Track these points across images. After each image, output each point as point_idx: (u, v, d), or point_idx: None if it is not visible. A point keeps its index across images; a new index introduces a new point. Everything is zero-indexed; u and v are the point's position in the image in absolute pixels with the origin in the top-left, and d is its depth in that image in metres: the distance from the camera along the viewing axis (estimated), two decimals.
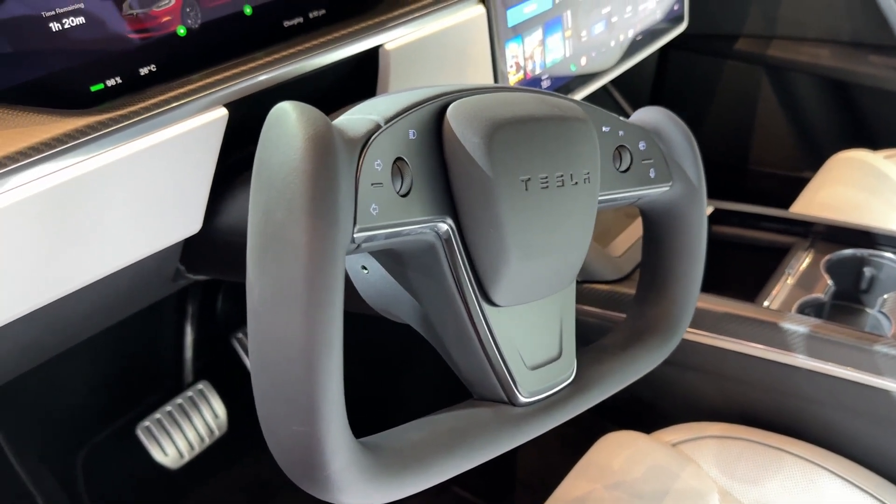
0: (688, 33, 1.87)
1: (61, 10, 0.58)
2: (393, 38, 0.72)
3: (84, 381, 1.20)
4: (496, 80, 0.83)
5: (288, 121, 0.41)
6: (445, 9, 0.76)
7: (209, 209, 0.64)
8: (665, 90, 1.94)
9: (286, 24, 0.75)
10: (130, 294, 0.77)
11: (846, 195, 1.38)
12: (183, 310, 1.28)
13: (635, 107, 1.96)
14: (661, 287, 0.65)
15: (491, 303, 0.52)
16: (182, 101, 0.58)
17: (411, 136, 0.48)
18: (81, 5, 0.59)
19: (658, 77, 1.91)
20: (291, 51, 0.66)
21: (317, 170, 0.40)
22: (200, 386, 1.29)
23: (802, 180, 1.73)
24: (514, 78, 0.85)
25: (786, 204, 1.53)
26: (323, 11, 0.77)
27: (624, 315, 0.68)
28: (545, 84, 0.90)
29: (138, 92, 0.61)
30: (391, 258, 0.53)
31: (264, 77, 0.63)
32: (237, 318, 1.36)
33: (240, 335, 1.36)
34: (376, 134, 0.45)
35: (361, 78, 0.76)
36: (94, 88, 0.61)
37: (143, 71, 0.64)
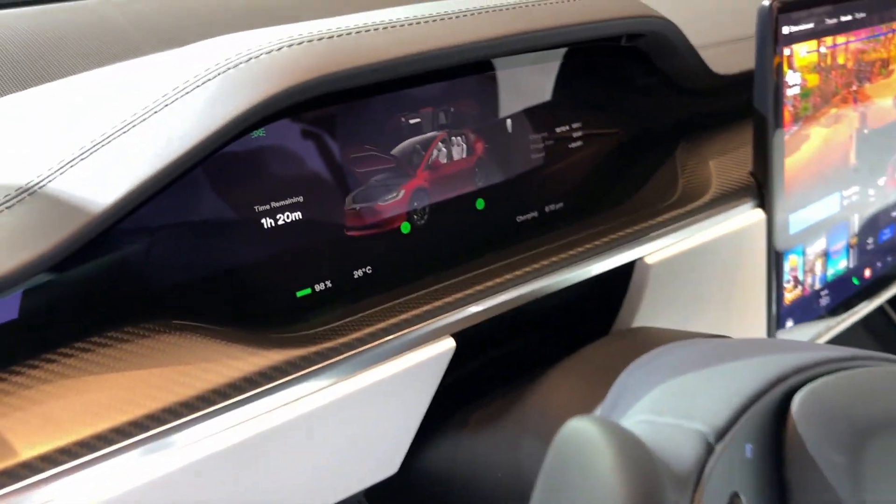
0: None
1: (277, 204, 0.49)
2: (655, 250, 0.58)
3: None
4: (770, 299, 0.66)
5: (597, 460, 0.27)
6: (718, 215, 0.62)
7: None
8: None
9: (519, 219, 0.63)
10: None
11: None
12: None
13: None
14: None
15: None
16: (404, 331, 0.45)
17: (748, 455, 0.32)
18: (300, 199, 0.50)
19: None
20: (528, 268, 0.53)
21: None
22: None
23: None
24: (790, 295, 0.68)
25: None
26: (560, 205, 0.65)
27: None
28: (823, 302, 0.72)
29: (349, 303, 0.50)
30: None
31: (501, 300, 0.50)
32: None
33: None
34: (710, 462, 0.29)
35: (604, 288, 0.62)
36: (300, 294, 0.51)
37: (357, 273, 0.53)
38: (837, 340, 0.93)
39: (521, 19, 0.49)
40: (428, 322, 0.46)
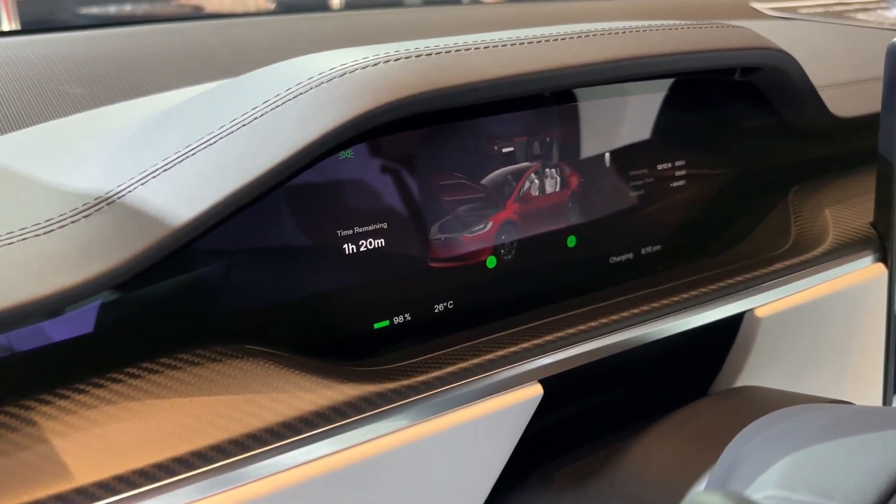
0: None
1: (360, 230, 0.46)
2: (766, 302, 0.53)
3: None
4: (888, 364, 0.60)
5: None
6: (834, 268, 0.56)
7: None
8: None
9: (613, 260, 0.59)
10: None
11: None
12: None
13: None
14: None
15: None
16: (488, 373, 0.42)
17: None
18: (384, 226, 0.47)
19: None
20: (625, 313, 0.48)
21: None
22: None
23: None
24: None
25: None
26: (658, 247, 0.61)
27: None
28: None
29: (428, 338, 0.47)
30: None
31: (594, 346, 0.46)
32: None
33: None
34: None
35: (706, 341, 0.57)
36: (378, 325, 0.48)
37: (439, 307, 0.50)
38: None
39: (632, 44, 0.46)
40: (514, 365, 0.42)
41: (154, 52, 0.68)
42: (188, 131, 0.40)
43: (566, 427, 0.54)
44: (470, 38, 0.43)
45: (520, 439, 0.46)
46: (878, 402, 0.61)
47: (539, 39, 0.43)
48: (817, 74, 0.66)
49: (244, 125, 0.37)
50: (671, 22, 0.52)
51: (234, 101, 0.39)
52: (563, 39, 0.44)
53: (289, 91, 0.38)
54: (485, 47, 0.41)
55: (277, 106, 0.37)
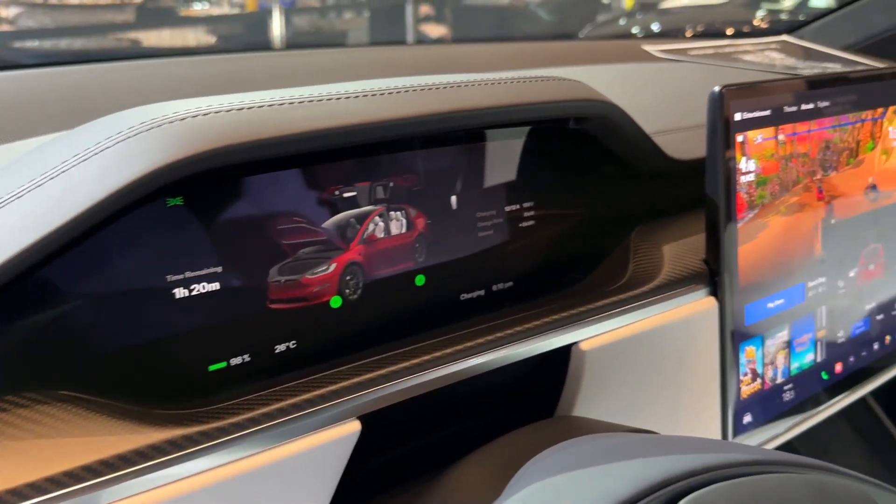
0: None
1: (192, 275, 0.48)
2: (592, 335, 0.56)
3: None
4: (724, 392, 0.63)
5: None
6: (664, 301, 0.60)
7: None
8: None
9: (464, 297, 0.61)
10: None
11: None
12: None
13: (892, 412, 1.62)
14: None
15: None
16: (305, 411, 0.43)
17: None
18: (219, 269, 0.49)
19: None
20: (453, 348, 0.51)
21: None
22: None
23: None
24: (747, 388, 0.65)
25: None
26: (510, 284, 0.64)
27: None
28: (787, 397, 0.69)
29: (268, 378, 0.48)
30: None
31: (413, 383, 0.48)
32: None
33: None
34: None
35: (546, 373, 0.59)
36: (213, 368, 0.49)
37: (280, 348, 0.52)
38: (816, 434, 0.89)
39: (447, 99, 0.49)
40: (332, 403, 0.44)
41: (25, 98, 0.69)
42: (13, 181, 0.41)
43: (409, 463, 0.55)
44: (288, 93, 0.45)
45: (354, 478, 0.48)
46: (718, 430, 0.64)
47: (358, 95, 0.46)
48: (676, 117, 0.71)
49: (52, 178, 0.39)
50: (503, 76, 0.56)
51: (50, 157, 0.41)
52: (382, 95, 0.46)
53: (98, 145, 0.39)
54: (300, 102, 0.44)
55: (86, 159, 0.39)
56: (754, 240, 0.63)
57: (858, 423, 0.93)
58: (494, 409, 0.62)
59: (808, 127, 0.67)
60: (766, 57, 1.44)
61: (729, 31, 1.76)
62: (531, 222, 0.65)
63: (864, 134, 0.73)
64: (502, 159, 0.62)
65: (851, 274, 0.74)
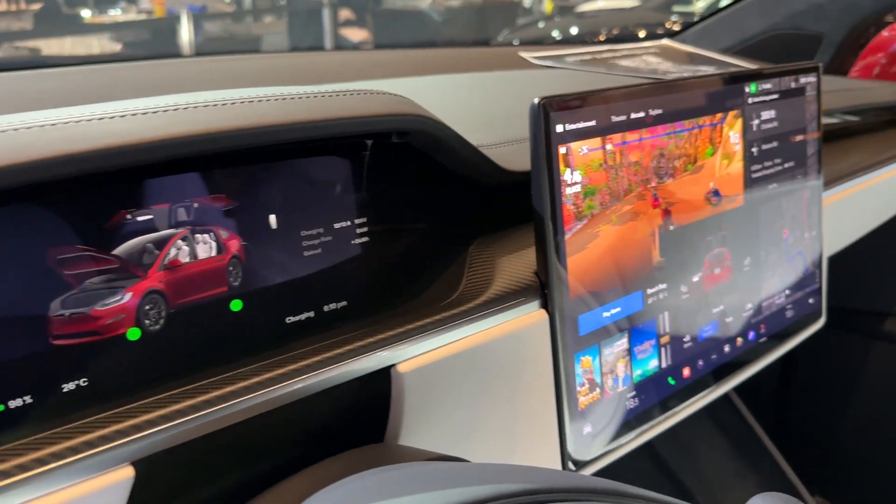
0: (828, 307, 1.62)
1: None
2: (411, 356, 0.54)
3: None
4: (559, 405, 0.63)
5: None
6: (492, 316, 0.58)
7: None
8: (796, 372, 1.66)
9: (290, 320, 0.59)
10: None
11: None
12: None
13: (757, 407, 1.67)
14: None
15: None
16: (70, 459, 0.40)
17: None
18: None
19: (787, 356, 1.64)
20: (263, 376, 0.49)
21: None
22: None
23: None
24: (585, 399, 0.64)
25: None
26: (343, 304, 0.61)
27: None
28: (631, 404, 0.69)
29: (55, 419, 0.45)
30: None
31: (194, 424, 0.45)
32: None
33: None
34: None
35: (372, 395, 0.57)
36: None
37: (69, 386, 0.48)
38: (679, 434, 0.90)
39: (242, 116, 0.46)
40: (101, 449, 0.41)
41: None
42: None
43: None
44: (53, 113, 0.42)
45: None
46: (556, 443, 0.63)
47: (122, 114, 0.43)
48: (497, 132, 0.70)
49: None
50: (309, 89, 0.54)
51: None
52: (154, 113, 0.44)
53: None
54: (52, 125, 0.40)
55: None
56: (584, 250, 0.63)
57: (722, 421, 0.95)
58: (327, 439, 0.60)
59: (639, 136, 0.67)
60: (643, 62, 1.46)
61: (601, 38, 1.79)
62: (365, 239, 0.63)
63: (703, 140, 0.74)
64: (329, 175, 0.60)
65: (695, 279, 0.75)
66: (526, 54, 1.33)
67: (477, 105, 0.91)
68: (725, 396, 0.95)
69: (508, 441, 0.61)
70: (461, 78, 1.09)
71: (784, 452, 1.72)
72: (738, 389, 0.95)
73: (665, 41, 1.66)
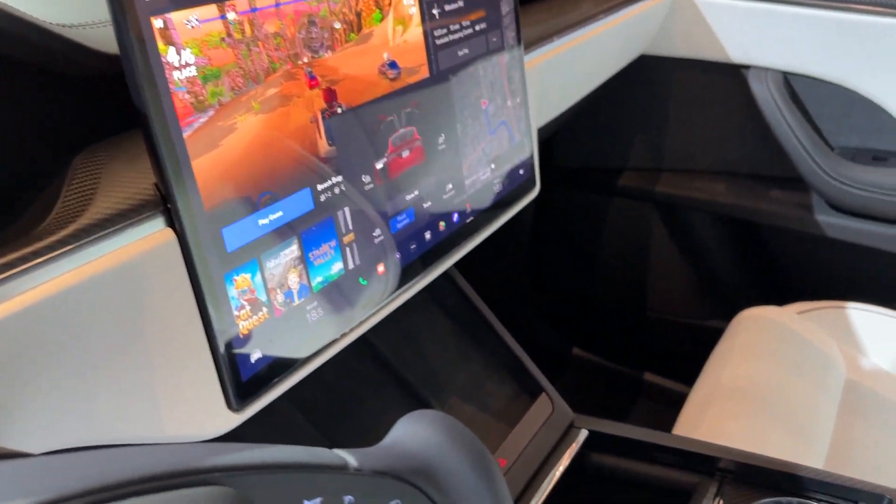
0: (566, 167, 1.65)
1: None
2: None
3: None
4: (210, 337, 0.53)
5: None
6: (90, 245, 0.46)
7: None
8: (544, 231, 1.70)
9: None
10: None
11: (754, 373, 1.12)
12: None
13: (507, 278, 1.68)
14: None
15: None
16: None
17: None
18: None
19: (533, 217, 1.67)
20: None
21: None
22: None
23: (708, 332, 1.49)
24: (247, 323, 0.55)
25: (691, 371, 1.27)
26: None
27: None
28: (314, 315, 0.61)
29: None
30: None
31: None
32: None
33: None
34: None
35: None
36: None
37: None
38: (401, 321, 0.84)
39: None
40: None
41: None
42: None
43: None
44: None
45: None
46: (217, 384, 0.54)
47: None
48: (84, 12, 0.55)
49: None
50: None
51: None
52: None
53: None
54: None
55: None
56: (217, 148, 0.52)
57: (447, 304, 0.91)
58: None
59: (274, 0, 0.55)
60: None
61: None
62: None
63: (367, 2, 0.64)
64: None
65: (379, 166, 0.66)
66: None
67: None
68: (449, 278, 0.91)
69: (164, 398, 0.51)
70: None
71: (540, 309, 1.78)
72: (460, 268, 0.91)
73: None
